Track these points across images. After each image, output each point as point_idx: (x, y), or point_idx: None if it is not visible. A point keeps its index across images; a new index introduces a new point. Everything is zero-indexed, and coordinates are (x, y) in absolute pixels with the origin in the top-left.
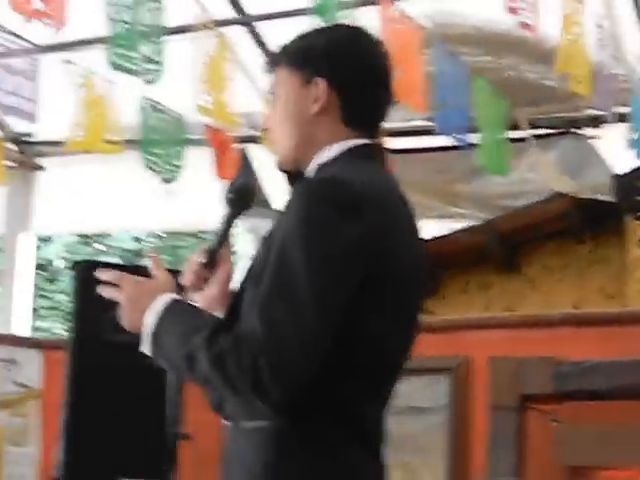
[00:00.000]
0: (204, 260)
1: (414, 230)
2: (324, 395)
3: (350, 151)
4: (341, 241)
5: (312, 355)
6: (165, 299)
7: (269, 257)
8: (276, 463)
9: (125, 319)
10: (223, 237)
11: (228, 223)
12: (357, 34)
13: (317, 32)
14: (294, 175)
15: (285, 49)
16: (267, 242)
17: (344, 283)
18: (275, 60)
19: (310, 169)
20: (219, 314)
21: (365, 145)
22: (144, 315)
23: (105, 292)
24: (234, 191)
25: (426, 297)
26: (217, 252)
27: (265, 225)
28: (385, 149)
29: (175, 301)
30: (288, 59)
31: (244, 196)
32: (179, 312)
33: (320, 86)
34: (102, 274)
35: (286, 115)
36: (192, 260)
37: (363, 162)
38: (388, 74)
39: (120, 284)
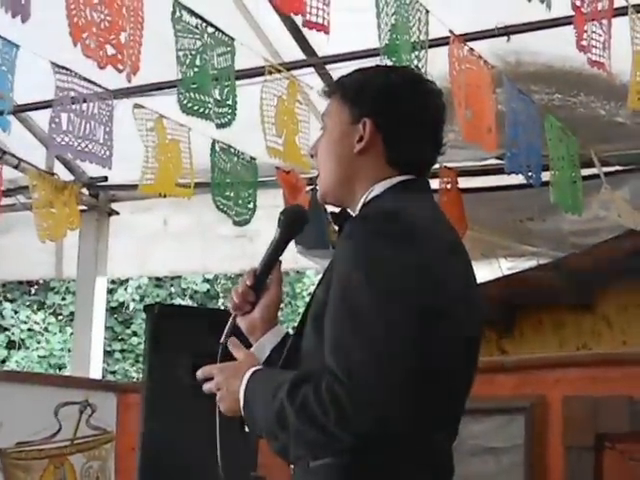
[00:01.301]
0: (250, 283)
1: (466, 263)
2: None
3: (396, 186)
4: (401, 273)
5: (390, 385)
6: (247, 375)
7: (327, 297)
8: None
9: (223, 407)
10: (271, 260)
11: (278, 246)
12: (416, 80)
13: (375, 71)
14: (340, 214)
15: (341, 82)
16: (325, 282)
17: (410, 314)
18: (331, 90)
19: (357, 207)
20: (258, 339)
21: (410, 180)
22: (236, 398)
23: (205, 388)
24: (286, 214)
25: (483, 329)
26: (264, 275)
27: None
28: (429, 185)
29: (255, 372)
30: (342, 93)
31: (296, 220)
32: (259, 381)
33: (367, 126)
34: (199, 374)
35: (330, 150)
36: (240, 282)
37: (410, 195)
38: (441, 125)
39: (210, 376)
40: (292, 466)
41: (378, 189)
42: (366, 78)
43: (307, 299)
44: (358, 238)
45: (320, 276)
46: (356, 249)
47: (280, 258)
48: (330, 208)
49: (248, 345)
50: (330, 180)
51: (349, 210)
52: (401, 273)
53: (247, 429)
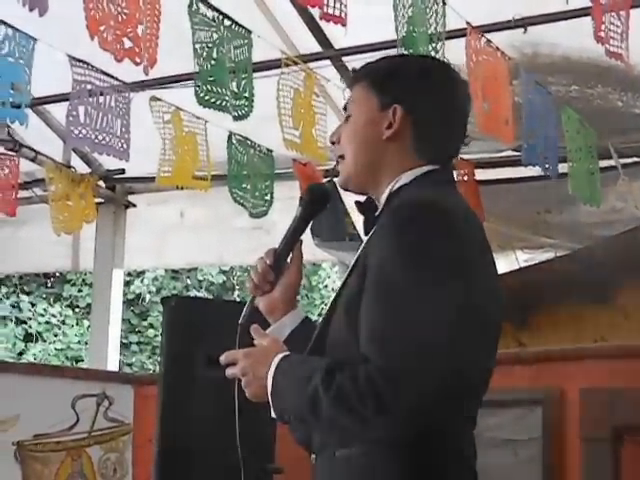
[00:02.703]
0: (270, 262)
1: (492, 257)
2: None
3: (424, 176)
4: (444, 262)
5: (430, 375)
6: (276, 360)
7: (361, 287)
8: None
9: (249, 393)
10: (292, 239)
11: (298, 225)
12: (444, 69)
13: (404, 59)
14: (366, 203)
15: (368, 69)
16: (358, 270)
17: (449, 303)
18: (356, 77)
19: (383, 195)
20: (278, 319)
21: (437, 171)
22: (264, 383)
23: (228, 372)
24: (308, 192)
25: (503, 320)
26: (284, 254)
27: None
28: (454, 176)
29: (284, 357)
30: (370, 80)
31: (319, 198)
32: (290, 367)
33: (397, 113)
34: (223, 358)
35: (357, 134)
36: (259, 261)
37: (439, 186)
38: (467, 114)
39: (235, 361)
40: (313, 456)
41: (405, 178)
42: (395, 65)
43: (323, 291)
44: (396, 227)
45: (351, 265)
46: (394, 238)
47: (301, 237)
48: (350, 197)
49: (265, 328)
50: (355, 166)
51: (373, 198)
52: (440, 261)
53: (273, 415)
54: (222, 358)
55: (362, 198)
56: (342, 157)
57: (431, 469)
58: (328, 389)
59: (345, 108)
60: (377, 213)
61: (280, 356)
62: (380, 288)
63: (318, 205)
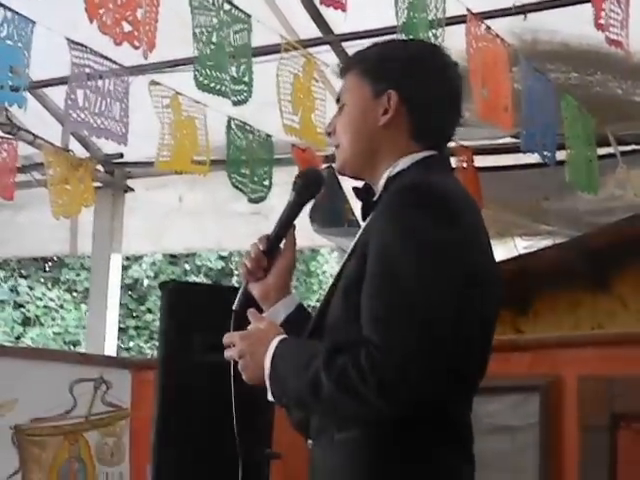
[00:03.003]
0: (263, 247)
1: (488, 237)
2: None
3: (422, 161)
4: (445, 245)
5: (430, 355)
6: (274, 343)
7: (361, 271)
8: (375, 469)
9: (246, 375)
10: (285, 224)
11: (292, 210)
12: (435, 52)
13: (394, 44)
14: (364, 189)
15: (359, 57)
16: (357, 256)
17: (449, 284)
18: (348, 66)
19: (381, 180)
20: (272, 305)
21: (434, 156)
22: (261, 366)
23: (226, 355)
24: (302, 176)
25: (501, 304)
26: (277, 240)
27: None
28: (450, 161)
29: (282, 340)
30: (362, 67)
31: (312, 182)
32: (289, 350)
33: (392, 99)
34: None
35: (353, 123)
36: (252, 247)
37: (438, 171)
38: (460, 95)
39: (232, 344)
40: (310, 441)
41: (403, 163)
42: (386, 51)
43: (321, 277)
44: (396, 210)
45: (349, 250)
46: (394, 221)
47: (294, 223)
48: (349, 183)
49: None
50: (352, 154)
51: (370, 183)
52: (440, 244)
53: (271, 398)
54: (223, 339)
55: (360, 184)
56: (337, 146)
57: (430, 452)
58: (329, 371)
59: (338, 99)
60: (375, 198)
61: (278, 339)
62: (381, 272)
63: (312, 189)
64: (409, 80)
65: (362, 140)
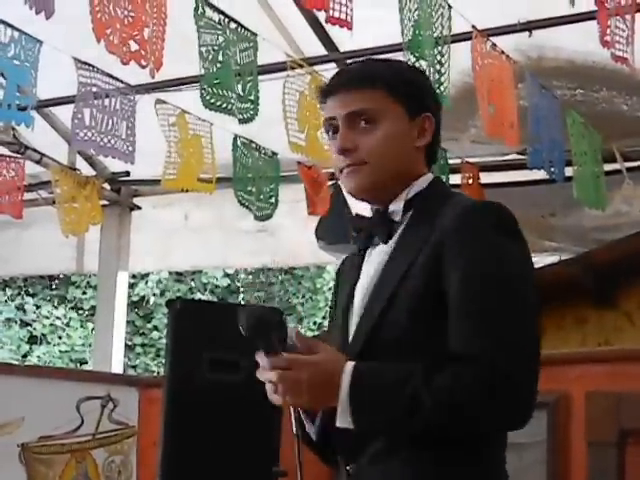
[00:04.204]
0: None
1: None
2: None
3: (435, 182)
4: (525, 261)
5: (538, 372)
6: (349, 367)
7: (432, 287)
8: None
9: (310, 401)
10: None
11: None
12: (425, 73)
13: (407, 66)
14: (378, 210)
15: (383, 75)
16: (415, 274)
17: (534, 303)
18: (370, 81)
19: (399, 201)
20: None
21: (439, 178)
22: (334, 391)
23: (266, 375)
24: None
25: None
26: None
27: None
28: None
29: (356, 366)
30: (387, 87)
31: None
32: (369, 374)
33: (430, 121)
34: (273, 362)
35: (391, 143)
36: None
37: (453, 191)
38: None
39: (292, 367)
40: (350, 466)
41: (420, 185)
42: (407, 71)
43: (327, 294)
44: (482, 231)
45: (389, 268)
46: (483, 241)
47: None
48: (355, 201)
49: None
50: (385, 174)
51: (376, 204)
52: (524, 263)
53: (345, 423)
54: (275, 363)
55: (363, 206)
56: (362, 163)
57: (497, 469)
58: (432, 389)
59: (356, 113)
60: (398, 218)
61: (352, 364)
62: (485, 291)
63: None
64: (435, 105)
65: (398, 161)
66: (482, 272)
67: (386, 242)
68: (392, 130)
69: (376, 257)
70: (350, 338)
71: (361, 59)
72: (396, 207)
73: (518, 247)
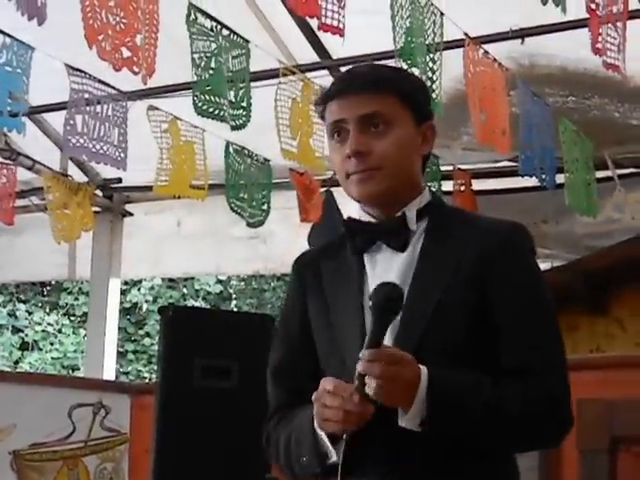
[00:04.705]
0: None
1: None
2: None
3: (435, 194)
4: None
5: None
6: (424, 370)
7: (482, 301)
8: None
9: (391, 395)
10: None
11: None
12: None
13: (408, 73)
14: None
15: (396, 82)
16: (459, 286)
17: None
18: (383, 85)
19: (409, 211)
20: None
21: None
22: (412, 388)
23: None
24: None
25: None
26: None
27: None
28: None
29: (430, 369)
30: (399, 94)
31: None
32: (444, 379)
33: (432, 130)
34: (369, 356)
35: (404, 148)
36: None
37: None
38: None
39: (378, 359)
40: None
41: (426, 196)
42: (414, 79)
43: None
44: (526, 253)
45: (421, 278)
46: (532, 262)
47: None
48: (351, 207)
49: None
50: (398, 179)
51: (376, 214)
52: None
53: (411, 424)
54: (367, 355)
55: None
56: (376, 169)
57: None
58: (504, 399)
59: (368, 117)
60: (414, 227)
61: (425, 368)
62: (536, 307)
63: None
64: (432, 114)
65: (409, 168)
66: (531, 294)
67: (401, 250)
68: (403, 136)
69: (390, 264)
70: (388, 341)
71: (360, 65)
72: (410, 215)
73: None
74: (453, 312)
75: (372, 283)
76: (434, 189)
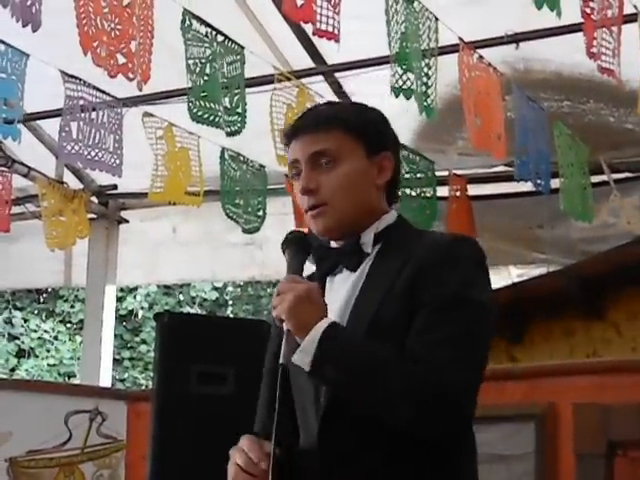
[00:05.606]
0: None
1: None
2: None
3: (400, 217)
4: (490, 293)
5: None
6: (332, 319)
7: (407, 311)
8: None
9: (292, 314)
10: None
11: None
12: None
13: (362, 106)
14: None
15: (339, 116)
16: (394, 299)
17: (492, 327)
18: (329, 122)
19: (366, 236)
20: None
21: (401, 216)
22: (314, 317)
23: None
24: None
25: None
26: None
27: None
28: None
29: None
30: (346, 126)
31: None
32: (349, 330)
33: (389, 160)
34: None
35: (353, 182)
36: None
37: (424, 229)
38: None
39: (290, 285)
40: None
41: (387, 220)
42: (365, 112)
43: None
44: (457, 262)
45: (364, 294)
46: (465, 269)
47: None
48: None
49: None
50: (349, 212)
51: (333, 242)
52: (488, 291)
53: (304, 361)
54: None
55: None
56: (323, 204)
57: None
58: (401, 366)
59: (317, 154)
60: (369, 250)
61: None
62: (454, 309)
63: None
64: (393, 141)
65: (362, 200)
66: (451, 298)
67: (355, 270)
68: (351, 169)
69: (342, 285)
70: None
71: (318, 104)
72: (367, 239)
73: (487, 279)
74: (386, 328)
75: (332, 306)
76: (429, 195)
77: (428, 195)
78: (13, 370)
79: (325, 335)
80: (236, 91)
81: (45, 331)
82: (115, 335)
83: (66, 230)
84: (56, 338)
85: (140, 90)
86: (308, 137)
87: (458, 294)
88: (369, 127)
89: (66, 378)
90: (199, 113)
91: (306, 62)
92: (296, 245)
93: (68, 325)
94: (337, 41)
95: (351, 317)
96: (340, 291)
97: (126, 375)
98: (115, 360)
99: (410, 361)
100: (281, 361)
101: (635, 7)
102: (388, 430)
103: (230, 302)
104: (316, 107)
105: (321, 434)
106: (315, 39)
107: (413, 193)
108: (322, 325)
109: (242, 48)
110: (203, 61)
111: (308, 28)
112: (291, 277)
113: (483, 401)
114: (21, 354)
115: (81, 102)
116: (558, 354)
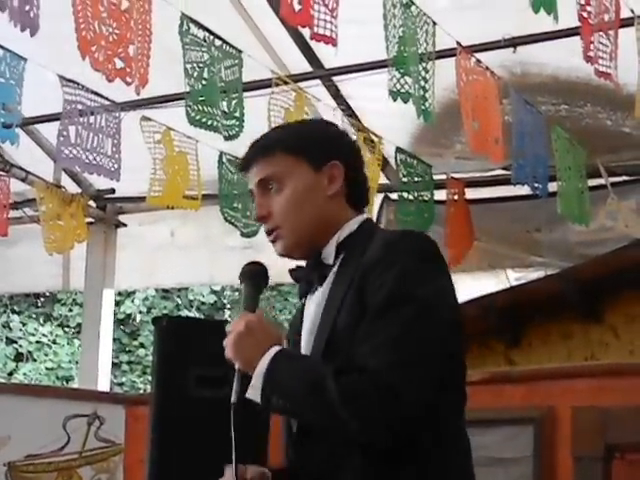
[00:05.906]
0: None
1: None
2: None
3: (366, 223)
4: (444, 287)
5: (435, 383)
6: (276, 348)
7: (360, 317)
8: None
9: (235, 353)
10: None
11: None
12: (334, 125)
13: (305, 122)
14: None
15: (277, 139)
16: (350, 305)
17: (447, 320)
18: (268, 147)
19: (329, 247)
20: None
21: (370, 219)
22: (258, 351)
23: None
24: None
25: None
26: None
27: None
28: None
29: (282, 349)
30: (286, 146)
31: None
32: (291, 356)
33: (338, 168)
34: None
35: (300, 202)
36: None
37: (382, 230)
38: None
39: (233, 323)
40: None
41: (349, 227)
42: (304, 128)
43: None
44: (398, 257)
45: (329, 300)
46: (406, 264)
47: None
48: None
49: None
50: (302, 232)
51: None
52: (445, 290)
53: (254, 395)
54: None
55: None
56: (277, 228)
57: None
58: (338, 381)
59: (263, 180)
60: (332, 262)
61: (278, 347)
62: (393, 311)
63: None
64: (341, 149)
65: (314, 215)
66: (389, 293)
67: (321, 285)
68: (297, 187)
69: (314, 301)
70: None
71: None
72: (328, 251)
73: (432, 270)
74: (341, 341)
75: (305, 324)
76: (427, 198)
77: (426, 199)
78: (11, 374)
79: (269, 368)
80: (234, 95)
81: (43, 335)
82: (113, 339)
83: (64, 234)
84: (54, 342)
85: (138, 94)
86: (255, 166)
87: (394, 293)
88: (308, 142)
89: (64, 382)
90: (197, 117)
91: (304, 66)
92: (249, 279)
93: (66, 329)
94: (335, 45)
95: (317, 333)
96: (310, 308)
97: (124, 379)
98: (113, 364)
99: (354, 372)
100: (232, 400)
101: (632, 11)
102: (361, 449)
103: (228, 306)
104: (262, 135)
105: (295, 459)
106: (313, 43)
107: (411, 197)
108: (266, 359)
109: (240, 52)
110: (201, 65)
111: (306, 32)
112: (241, 314)
113: (481, 404)
114: (19, 358)
115: (79, 106)
116: (556, 357)
